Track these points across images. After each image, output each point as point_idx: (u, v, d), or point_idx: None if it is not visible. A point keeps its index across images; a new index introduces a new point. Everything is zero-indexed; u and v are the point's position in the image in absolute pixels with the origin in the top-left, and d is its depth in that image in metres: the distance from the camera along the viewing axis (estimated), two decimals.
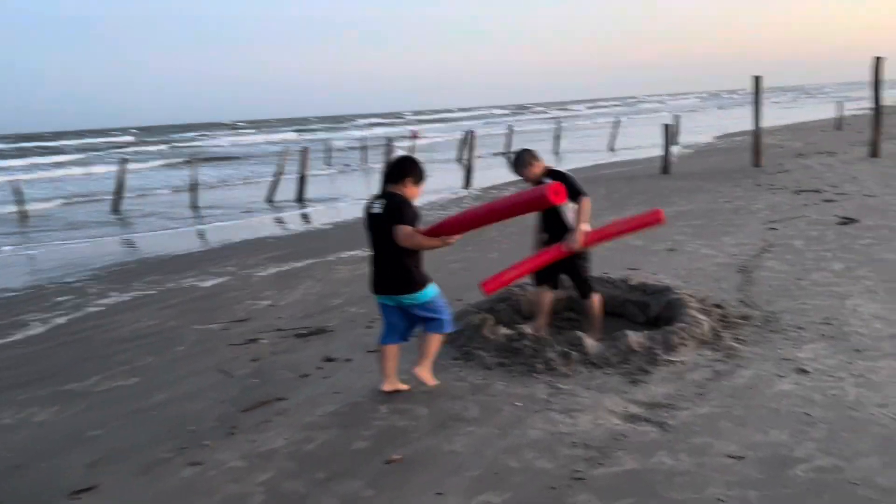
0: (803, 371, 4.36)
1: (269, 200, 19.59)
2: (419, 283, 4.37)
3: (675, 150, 23.93)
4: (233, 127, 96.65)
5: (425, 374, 4.57)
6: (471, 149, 19.15)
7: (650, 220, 5.49)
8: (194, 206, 19.49)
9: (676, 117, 30.42)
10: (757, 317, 5.49)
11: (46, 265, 11.82)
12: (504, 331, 5.27)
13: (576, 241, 5.09)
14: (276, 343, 5.98)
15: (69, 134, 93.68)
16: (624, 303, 6.12)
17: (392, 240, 4.21)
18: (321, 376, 5.05)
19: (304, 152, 19.33)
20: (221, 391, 4.95)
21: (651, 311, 5.90)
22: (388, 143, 20.36)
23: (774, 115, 46.04)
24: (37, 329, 7.26)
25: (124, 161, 20.71)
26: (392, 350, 4.55)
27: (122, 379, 5.40)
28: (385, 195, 4.31)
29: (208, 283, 8.96)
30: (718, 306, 5.80)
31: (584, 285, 5.46)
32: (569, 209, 5.18)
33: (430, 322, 4.48)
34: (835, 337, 4.94)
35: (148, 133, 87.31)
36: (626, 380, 4.46)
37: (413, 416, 4.18)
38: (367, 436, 3.96)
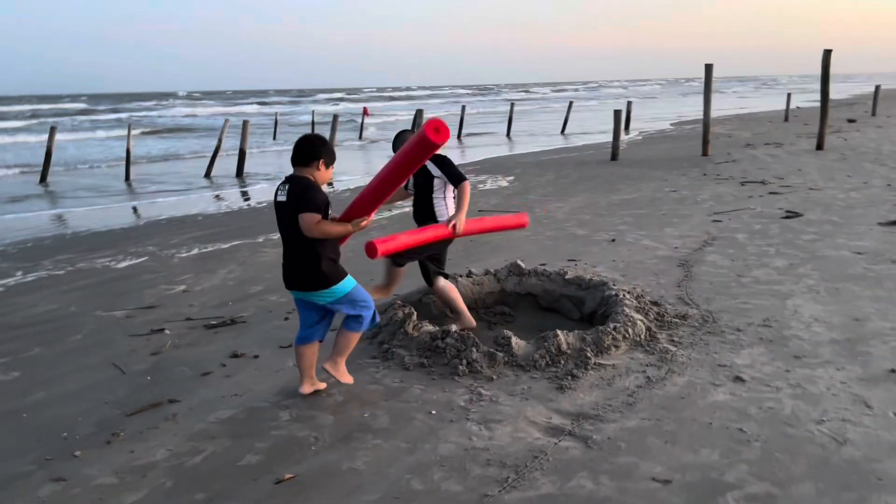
0: (739, 379, 4.07)
1: (207, 175, 18.81)
2: (333, 277, 3.93)
3: (625, 136, 23.86)
4: (189, 97, 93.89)
5: (339, 371, 4.16)
6: (415, 128, 18.62)
7: (516, 224, 5.53)
8: (127, 180, 18.61)
9: (628, 103, 30.35)
10: (695, 316, 5.21)
11: None
12: (428, 328, 4.87)
13: (461, 224, 4.86)
14: (181, 335, 5.48)
15: (14, 99, 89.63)
16: (559, 298, 5.78)
17: (298, 230, 3.78)
18: (223, 375, 4.59)
19: (244, 125, 18.55)
20: (109, 390, 4.45)
21: (586, 307, 5.57)
22: (335, 118, 19.67)
23: (732, 104, 46.70)
24: None
25: (53, 129, 19.58)
26: (308, 350, 4.11)
27: (1, 373, 4.84)
28: (290, 179, 3.84)
29: (123, 265, 8.35)
30: (656, 304, 5.51)
31: (433, 272, 5.23)
32: (450, 196, 5.08)
33: (349, 318, 4.07)
34: (773, 341, 4.68)
35: (99, 101, 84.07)
36: (553, 385, 4.11)
37: (316, 425, 3.76)
38: (260, 448, 3.53)
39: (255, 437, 3.65)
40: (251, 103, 70.60)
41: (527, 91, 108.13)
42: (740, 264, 6.73)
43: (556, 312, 5.81)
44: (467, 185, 4.96)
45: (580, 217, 9.94)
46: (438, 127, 3.64)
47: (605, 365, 4.35)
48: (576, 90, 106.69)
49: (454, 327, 4.72)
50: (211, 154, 19.84)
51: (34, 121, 45.29)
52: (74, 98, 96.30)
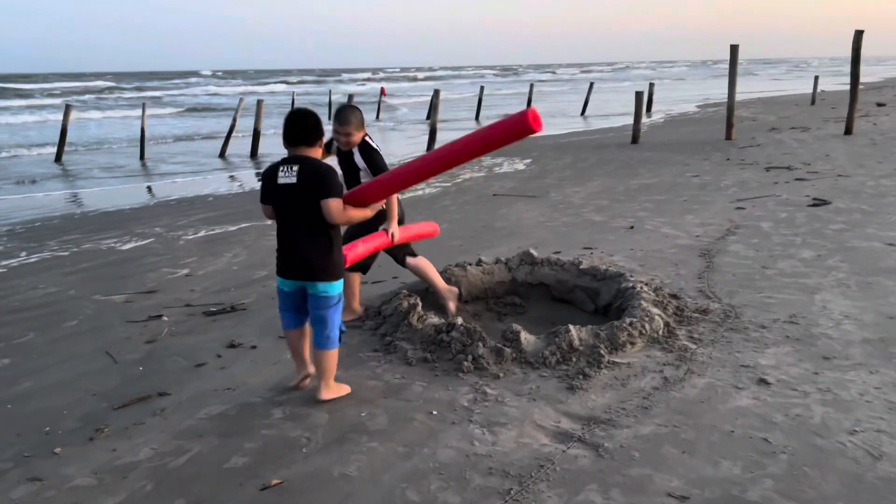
0: (764, 382, 3.79)
1: (222, 156, 18.64)
2: (340, 270, 3.71)
3: (647, 119, 23.38)
4: (213, 76, 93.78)
5: (334, 390, 3.78)
6: (435, 109, 18.31)
7: (427, 234, 5.39)
8: (142, 159, 18.52)
9: (650, 85, 29.75)
10: (716, 311, 4.92)
11: None
12: (433, 320, 4.63)
13: (396, 232, 4.77)
14: (179, 322, 5.29)
15: (41, 77, 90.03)
16: (573, 289, 5.51)
17: (310, 216, 3.51)
18: (218, 366, 4.38)
19: (258, 105, 18.32)
20: (99, 381, 4.26)
21: (601, 299, 5.30)
22: (349, 98, 19.37)
23: (758, 87, 45.66)
24: None
25: (68, 108, 19.48)
26: (298, 334, 3.88)
27: None
28: (298, 160, 3.52)
29: (128, 246, 8.18)
30: (675, 296, 5.23)
31: (401, 254, 5.11)
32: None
33: (319, 330, 3.71)
34: (801, 340, 4.39)
35: (124, 79, 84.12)
36: (563, 385, 3.86)
37: (309, 424, 3.54)
38: (248, 450, 3.31)
39: (244, 436, 3.44)
40: (277, 82, 70.32)
41: (553, 72, 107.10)
42: (765, 255, 6.41)
43: (569, 304, 5.55)
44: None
45: (598, 202, 9.63)
46: (537, 117, 3.40)
47: (619, 363, 4.09)
48: (601, 71, 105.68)
49: (460, 320, 4.47)
50: (226, 134, 19.67)
51: (58, 100, 45.33)
52: (100, 76, 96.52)
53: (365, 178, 4.66)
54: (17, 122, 31.08)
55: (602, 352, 4.16)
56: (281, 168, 3.51)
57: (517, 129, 3.47)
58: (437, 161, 3.84)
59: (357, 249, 4.48)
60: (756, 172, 11.45)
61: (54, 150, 18.99)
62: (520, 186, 11.38)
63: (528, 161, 14.81)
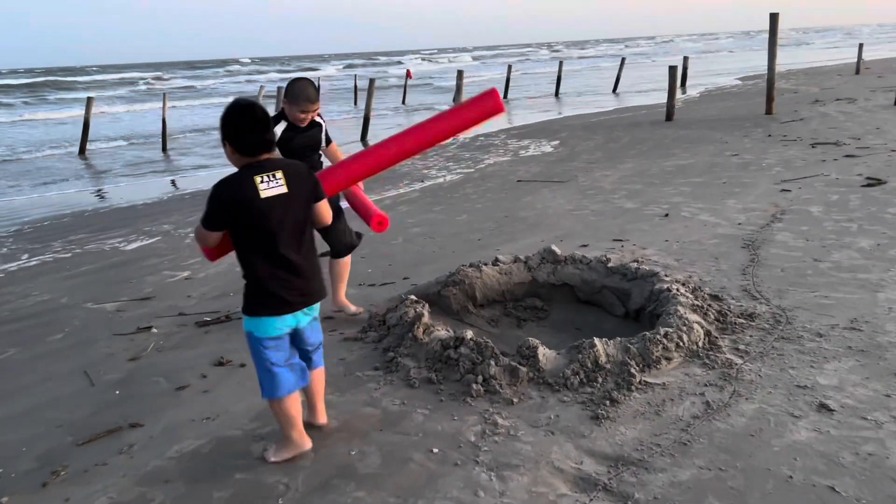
0: (826, 408, 3.21)
1: None
2: None
3: (681, 94, 22.45)
4: (253, 62, 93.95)
5: (324, 417, 3.37)
6: (459, 91, 17.70)
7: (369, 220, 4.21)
8: (164, 151, 18.28)
9: (685, 58, 28.63)
10: (764, 315, 4.32)
11: None
12: (440, 333, 4.11)
13: None
14: (169, 334, 4.85)
15: (78, 70, 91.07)
16: (600, 289, 4.95)
17: (302, 225, 2.89)
18: (200, 389, 3.93)
19: (279, 93, 17.90)
20: (70, 407, 3.83)
21: (632, 301, 4.73)
22: (371, 83, 18.83)
23: (813, 57, 43.79)
24: None
25: (90, 100, 19.31)
26: (300, 393, 3.15)
27: None
28: (276, 165, 2.82)
29: (133, 246, 7.81)
30: (716, 298, 4.64)
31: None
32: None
33: (316, 353, 3.20)
34: (866, 351, 3.77)
35: (170, 69, 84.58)
36: (587, 413, 3.32)
37: (290, 466, 3.06)
38: (218, 500, 2.85)
39: (215, 481, 2.97)
40: (340, 64, 70.30)
41: (591, 47, 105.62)
42: (816, 245, 5.76)
43: (597, 307, 4.99)
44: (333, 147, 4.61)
45: (630, 186, 8.99)
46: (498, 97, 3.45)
47: (652, 384, 3.53)
48: (638, 46, 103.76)
49: (470, 333, 3.94)
50: None
51: (107, 91, 45.53)
52: (143, 67, 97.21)
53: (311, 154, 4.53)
54: (61, 117, 30.95)
55: (633, 370, 3.61)
56: (259, 178, 2.75)
57: (485, 109, 3.42)
58: (402, 147, 3.46)
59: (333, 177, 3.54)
60: (801, 149, 10.67)
61: (93, 144, 18.86)
62: (546, 171, 10.77)
63: (556, 143, 14.15)
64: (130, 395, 3.93)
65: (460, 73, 17.95)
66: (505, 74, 31.75)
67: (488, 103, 3.42)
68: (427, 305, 4.55)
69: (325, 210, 3.02)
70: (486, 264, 5.16)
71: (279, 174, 2.80)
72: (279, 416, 3.06)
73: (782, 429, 3.07)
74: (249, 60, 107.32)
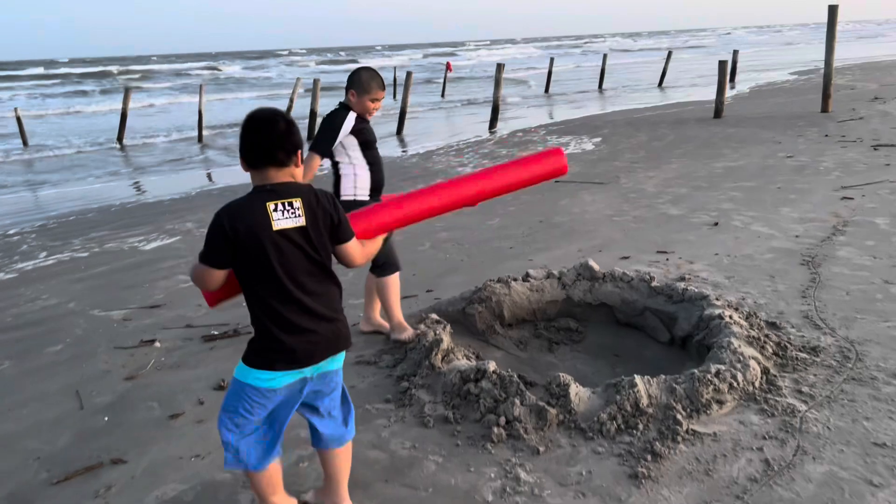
0: None
1: None
2: None
3: (732, 91, 21.60)
4: (320, 52, 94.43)
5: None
6: (498, 85, 17.17)
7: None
8: (200, 142, 18.17)
9: (734, 52, 27.60)
10: (830, 349, 3.80)
11: (9, 209, 10.67)
12: (459, 363, 3.68)
13: None
14: (172, 349, 4.51)
15: (132, 59, 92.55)
16: (642, 311, 4.46)
17: (322, 264, 2.39)
18: (194, 419, 3.56)
19: (314, 84, 17.61)
20: (53, 435, 3.50)
21: (679, 327, 4.23)
22: (408, 76, 18.41)
23: (884, 51, 42.07)
24: None
25: (127, 91, 19.31)
26: (276, 468, 2.58)
27: None
28: (293, 191, 2.32)
29: (152, 245, 7.53)
30: (774, 326, 4.14)
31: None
32: (360, 168, 4.13)
33: (345, 414, 2.64)
34: None
35: (227, 59, 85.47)
36: (625, 469, 2.86)
37: None
38: None
39: None
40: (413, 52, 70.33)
41: (655, 37, 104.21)
42: (885, 263, 5.18)
43: (638, 330, 4.51)
44: (310, 162, 3.88)
45: (675, 190, 8.43)
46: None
47: (702, 435, 3.05)
48: (687, 38, 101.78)
49: (492, 365, 3.50)
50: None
51: (163, 83, 46.05)
52: (200, 57, 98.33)
53: (340, 152, 4.08)
54: (103, 110, 31.12)
55: (679, 416, 3.13)
56: (273, 205, 2.27)
57: (548, 171, 3.16)
58: (451, 198, 3.02)
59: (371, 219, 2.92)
60: (861, 151, 9.96)
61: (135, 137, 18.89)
62: (586, 171, 10.23)
63: (598, 140, 13.57)
64: (119, 423, 3.59)
65: (500, 67, 17.43)
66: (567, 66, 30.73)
67: (554, 164, 3.16)
68: (448, 326, 4.13)
69: (353, 252, 2.51)
70: (515, 279, 4.71)
71: (297, 203, 2.30)
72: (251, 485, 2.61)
73: (859, 501, 2.57)
74: (304, 51, 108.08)
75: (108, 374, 4.21)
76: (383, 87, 4.09)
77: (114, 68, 62.61)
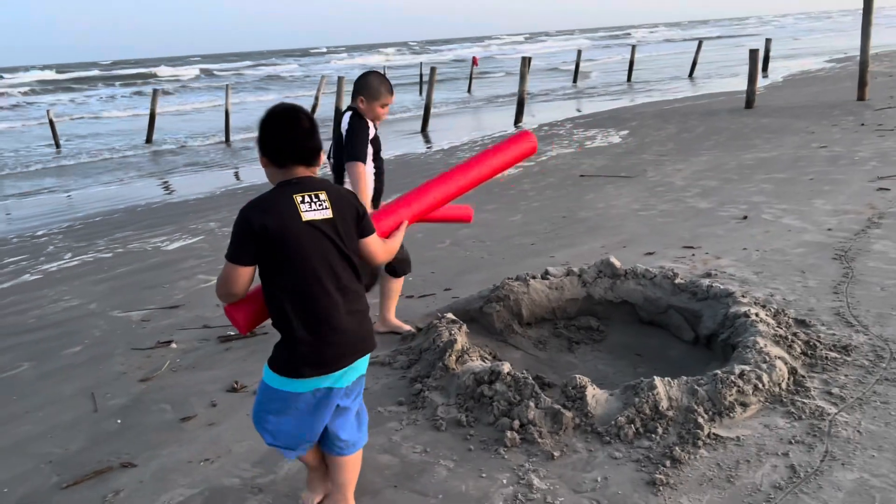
0: None
1: None
2: None
3: (764, 80, 21.15)
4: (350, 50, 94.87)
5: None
6: (524, 79, 17.00)
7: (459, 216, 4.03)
8: (227, 142, 18.31)
9: (767, 41, 27.01)
10: (863, 347, 3.63)
11: (38, 210, 10.81)
12: (473, 364, 3.59)
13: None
14: (188, 350, 4.49)
15: (178, 59, 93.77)
16: (666, 309, 4.32)
17: (349, 260, 2.31)
18: (206, 422, 3.53)
19: (339, 83, 17.62)
20: (66, 438, 3.49)
21: (703, 326, 4.09)
22: (432, 72, 18.30)
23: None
24: None
25: (155, 92, 19.54)
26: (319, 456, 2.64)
27: None
28: (318, 184, 2.28)
29: (175, 245, 7.56)
30: (803, 324, 3.97)
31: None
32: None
33: (356, 424, 2.55)
34: None
35: (266, 57, 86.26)
36: (643, 475, 2.75)
37: None
38: None
39: None
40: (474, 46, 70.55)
41: (694, 27, 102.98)
42: None
43: (661, 328, 4.37)
44: (358, 170, 3.84)
45: (704, 183, 8.23)
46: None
47: (724, 439, 2.92)
48: (727, 26, 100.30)
49: (506, 367, 3.40)
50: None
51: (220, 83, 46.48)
52: (242, 56, 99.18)
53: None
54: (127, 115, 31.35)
55: (700, 420, 3.01)
56: (300, 197, 2.22)
57: (522, 152, 3.38)
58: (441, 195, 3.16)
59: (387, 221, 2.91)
60: None
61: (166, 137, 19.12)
62: (612, 164, 10.05)
63: (625, 133, 13.34)
64: (131, 426, 3.57)
65: (525, 61, 17.24)
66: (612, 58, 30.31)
67: (524, 145, 3.36)
68: (463, 327, 4.04)
69: (375, 247, 2.45)
70: (534, 277, 4.60)
71: (323, 195, 2.25)
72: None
73: None
74: (326, 49, 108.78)
75: (124, 375, 4.20)
76: (392, 92, 4.03)
77: (154, 69, 63.48)
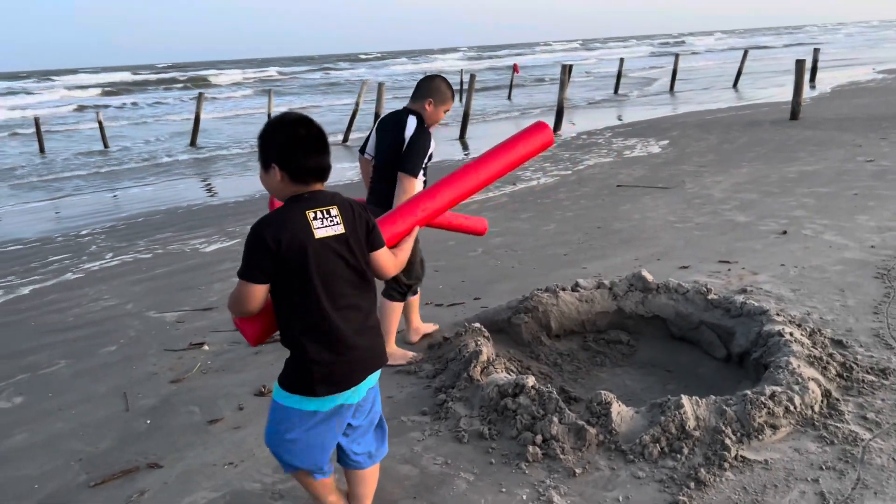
0: None
1: (345, 141, 18.26)
2: None
3: (811, 92, 20.71)
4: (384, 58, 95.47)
5: None
6: (563, 87, 16.90)
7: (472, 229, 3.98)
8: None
9: (815, 50, 26.44)
10: None
11: (83, 210, 11.10)
12: (498, 376, 3.56)
13: None
14: (218, 353, 4.56)
15: (227, 63, 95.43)
16: (698, 325, 4.25)
17: (361, 276, 2.30)
18: (232, 425, 3.57)
19: (379, 88, 17.74)
20: (96, 437, 3.57)
21: (736, 343, 4.00)
22: (472, 78, 18.28)
23: None
24: None
25: (200, 95, 19.91)
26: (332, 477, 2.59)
27: (3, 399, 4.14)
28: (329, 199, 2.24)
29: (212, 248, 7.69)
30: (840, 344, 3.86)
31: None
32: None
33: (380, 435, 2.59)
34: None
35: (303, 63, 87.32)
36: (665, 497, 2.70)
37: None
38: None
39: None
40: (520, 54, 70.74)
41: (752, 35, 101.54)
42: None
43: (693, 344, 4.29)
44: (412, 186, 3.76)
45: (743, 196, 8.08)
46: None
47: (752, 462, 2.85)
48: (780, 34, 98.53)
49: (531, 380, 3.37)
50: (349, 118, 19.28)
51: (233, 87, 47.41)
52: (300, 60, 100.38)
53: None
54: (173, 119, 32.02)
55: (728, 441, 2.94)
56: (312, 214, 2.17)
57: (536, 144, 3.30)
58: (456, 193, 3.10)
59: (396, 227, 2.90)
60: None
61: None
62: (650, 175, 9.93)
63: (665, 143, 13.17)
64: (159, 426, 3.63)
65: (565, 68, 17.15)
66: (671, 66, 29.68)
67: (540, 138, 3.28)
68: (490, 337, 4.02)
69: (385, 260, 2.42)
70: (563, 289, 4.56)
71: (334, 210, 2.21)
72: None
73: None
74: (380, 54, 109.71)
75: (155, 376, 4.27)
76: (454, 98, 4.04)
77: (210, 72, 64.74)
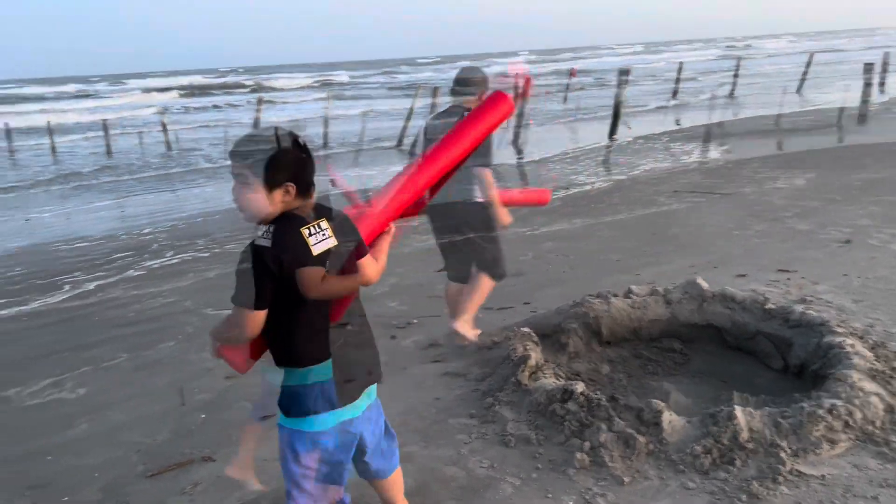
0: None
1: (399, 144, 18.42)
2: None
3: (882, 97, 19.99)
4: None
5: None
6: (618, 90, 16.69)
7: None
8: (325, 147, 18.83)
9: (885, 54, 25.47)
10: None
11: (146, 209, 11.45)
12: (546, 382, 3.55)
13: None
14: None
15: (286, 67, 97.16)
16: (754, 335, 4.14)
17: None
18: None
19: (433, 92, 17.84)
20: (154, 429, 3.68)
21: (794, 355, 3.89)
22: (526, 80, 18.20)
23: None
24: (56, 297, 6.43)
25: (260, 100, 20.34)
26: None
27: (68, 390, 4.31)
28: (323, 212, 2.23)
29: None
30: None
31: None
32: None
33: (390, 441, 2.55)
34: None
35: (366, 67, 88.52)
36: None
37: None
38: None
39: None
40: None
41: (809, 38, 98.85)
42: None
43: (749, 354, 4.19)
44: (490, 176, 4.05)
45: (805, 203, 7.84)
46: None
47: (807, 477, 2.77)
48: (850, 36, 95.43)
49: (580, 386, 3.34)
50: (404, 120, 19.41)
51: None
52: (368, 64, 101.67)
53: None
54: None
55: (783, 454, 2.86)
56: (307, 230, 2.09)
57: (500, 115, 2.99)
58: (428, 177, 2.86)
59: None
60: None
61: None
62: (708, 181, 9.73)
63: (725, 148, 12.88)
64: (213, 421, 3.73)
65: (622, 72, 16.93)
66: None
67: (503, 108, 3.00)
68: (540, 342, 4.00)
69: (369, 268, 2.33)
70: (615, 295, 4.51)
71: (324, 223, 2.13)
72: None
73: None
74: (439, 58, 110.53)
75: (211, 372, 4.38)
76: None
77: (272, 75, 66.00)
